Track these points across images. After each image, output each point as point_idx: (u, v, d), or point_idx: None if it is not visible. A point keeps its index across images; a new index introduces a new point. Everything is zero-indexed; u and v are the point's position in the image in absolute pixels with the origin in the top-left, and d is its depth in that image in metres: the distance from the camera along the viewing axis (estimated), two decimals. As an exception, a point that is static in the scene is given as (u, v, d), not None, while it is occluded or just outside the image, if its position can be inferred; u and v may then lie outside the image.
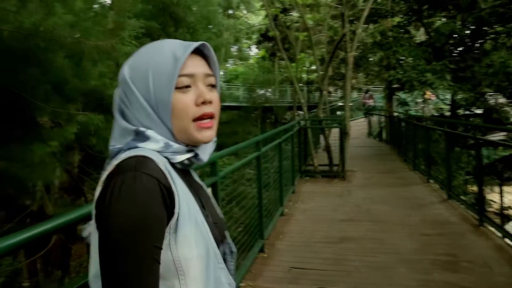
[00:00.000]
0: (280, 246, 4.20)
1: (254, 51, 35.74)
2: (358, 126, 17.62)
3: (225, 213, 4.71)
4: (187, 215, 0.69)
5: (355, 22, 9.98)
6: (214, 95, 0.78)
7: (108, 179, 0.66)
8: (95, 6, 4.44)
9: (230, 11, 25.78)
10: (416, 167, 7.84)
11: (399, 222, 4.72)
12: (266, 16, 24.36)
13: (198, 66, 0.76)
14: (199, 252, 0.69)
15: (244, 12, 25.45)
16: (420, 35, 15.60)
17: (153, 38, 5.07)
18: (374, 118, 15.28)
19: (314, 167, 8.03)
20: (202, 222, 0.73)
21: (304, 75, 21.82)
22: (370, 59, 12.86)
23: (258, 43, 31.59)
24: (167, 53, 0.74)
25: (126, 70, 0.76)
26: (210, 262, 0.72)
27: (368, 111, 15.89)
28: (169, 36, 5.10)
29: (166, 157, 0.74)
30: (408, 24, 11.45)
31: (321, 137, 11.16)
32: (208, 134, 0.77)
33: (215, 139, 0.81)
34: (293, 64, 20.74)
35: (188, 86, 0.75)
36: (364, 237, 4.28)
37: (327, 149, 8.05)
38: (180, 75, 0.73)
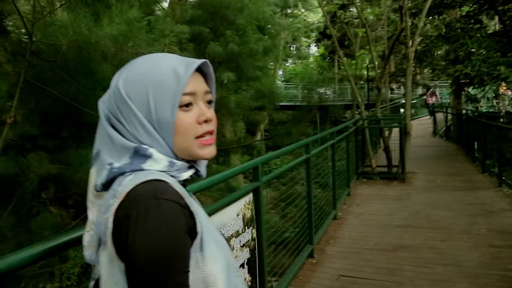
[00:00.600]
0: (331, 251, 4.07)
1: (314, 49, 35.47)
2: (422, 124, 16.66)
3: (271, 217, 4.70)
4: (207, 232, 0.71)
5: (418, 15, 9.40)
6: (212, 112, 0.78)
7: (125, 208, 0.64)
8: (150, 15, 4.64)
9: (289, 10, 25.67)
10: (486, 170, 7.18)
11: (463, 231, 4.35)
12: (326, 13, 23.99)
13: (198, 84, 0.76)
14: (222, 265, 0.71)
15: (302, 10, 25.15)
16: (495, 25, 14.29)
17: (205, 42, 5.20)
18: (440, 116, 14.28)
19: (372, 168, 7.70)
20: (219, 236, 0.76)
21: (365, 72, 21.02)
22: (435, 53, 12.03)
23: (317, 41, 31.25)
24: (167, 70, 0.72)
25: (120, 84, 0.73)
26: (230, 273, 0.73)
27: (433, 109, 14.88)
28: (218, 38, 5.21)
29: (172, 176, 0.73)
30: (479, 13, 10.53)
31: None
32: (210, 150, 0.76)
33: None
34: (353, 61, 20.16)
35: (189, 104, 0.74)
36: (421, 246, 4.00)
37: (386, 149, 7.66)
38: (184, 93, 0.72)
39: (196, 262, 0.68)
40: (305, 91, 26.77)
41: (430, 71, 25.44)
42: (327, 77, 28.10)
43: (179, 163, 0.74)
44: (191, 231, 0.67)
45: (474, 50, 9.46)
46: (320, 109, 22.04)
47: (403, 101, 20.30)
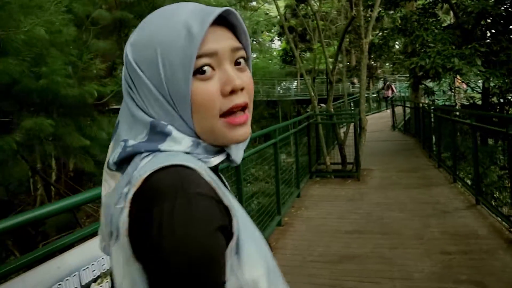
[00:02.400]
0: (269, 266, 3.57)
1: (278, 44, 35.15)
2: (382, 118, 16.66)
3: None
4: (245, 232, 0.55)
5: (373, 6, 9.12)
6: (245, 76, 0.59)
7: (143, 202, 0.49)
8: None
9: (253, 3, 25.08)
10: (442, 165, 6.96)
11: (415, 236, 3.97)
12: (285, 7, 23.61)
13: (221, 40, 0.56)
14: (262, 270, 0.55)
15: (261, 3, 24.65)
16: (450, 19, 14.39)
17: (129, 29, 4.56)
18: (399, 110, 14.23)
19: (326, 166, 7.31)
20: (257, 234, 0.59)
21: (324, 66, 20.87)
22: (392, 46, 11.86)
23: (279, 35, 30.93)
24: (179, 26, 0.54)
25: (129, 49, 0.58)
26: (271, 277, 0.57)
27: (392, 102, 14.82)
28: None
29: (199, 159, 0.57)
30: (434, 6, 10.42)
31: (342, 132, 10.45)
32: (242, 132, 0.58)
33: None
34: (311, 55, 19.88)
35: (211, 69, 0.55)
36: (369, 255, 3.58)
37: (339, 146, 7.30)
38: (199, 56, 0.54)
39: (231, 268, 0.52)
40: (267, 86, 26.49)
41: (391, 64, 25.77)
42: (288, 72, 27.97)
43: (203, 143, 0.58)
44: (226, 231, 0.51)
45: (430, 42, 9.32)
46: (282, 104, 21.76)
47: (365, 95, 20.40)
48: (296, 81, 26.36)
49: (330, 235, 4.19)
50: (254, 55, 34.58)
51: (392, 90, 18.44)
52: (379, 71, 25.15)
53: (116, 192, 0.55)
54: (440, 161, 7.06)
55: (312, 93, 7.32)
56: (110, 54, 4.34)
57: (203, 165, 0.55)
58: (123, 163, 0.56)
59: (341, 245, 3.89)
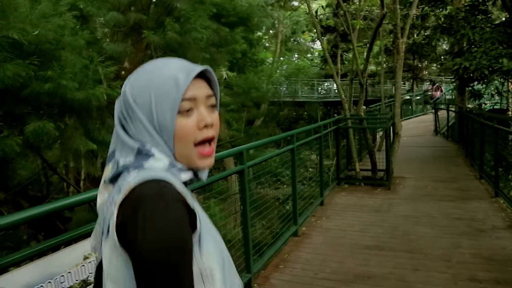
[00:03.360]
0: (276, 280, 3.35)
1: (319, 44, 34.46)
2: (425, 122, 15.78)
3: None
4: (205, 228, 0.74)
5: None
6: (214, 116, 0.79)
7: (130, 206, 0.67)
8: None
9: (295, 3, 24.71)
10: (483, 176, 6.36)
11: (442, 256, 3.58)
12: (326, 6, 23.06)
13: (199, 89, 0.77)
14: (217, 260, 0.74)
15: (302, 2, 24.20)
16: (506, 16, 13.31)
17: (142, 29, 4.49)
18: (443, 113, 13.36)
19: (356, 172, 6.93)
20: (214, 230, 0.79)
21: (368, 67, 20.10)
22: (435, 45, 11.09)
23: (321, 34, 30.28)
24: (168, 77, 0.74)
25: (128, 88, 0.77)
26: (226, 267, 0.76)
27: (435, 105, 13.95)
28: (157, 25, 4.51)
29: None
30: (484, 3, 9.62)
31: (379, 137, 9.91)
32: (209, 162, 0.79)
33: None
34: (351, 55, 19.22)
35: (189, 110, 0.75)
36: (387, 277, 3.26)
37: (370, 152, 6.88)
38: (183, 99, 0.74)
39: (194, 256, 0.71)
40: (307, 87, 26.00)
41: (439, 66, 24.38)
42: (329, 72, 27.26)
43: (179, 164, 0.76)
44: (192, 228, 0.70)
45: (477, 42, 8.60)
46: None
47: (407, 97, 19.39)
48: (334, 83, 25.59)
49: (347, 250, 3.89)
50: (296, 55, 34.20)
51: (441, 91, 17.39)
52: (424, 72, 23.92)
53: (108, 200, 0.72)
54: (482, 171, 6.46)
55: (343, 96, 6.95)
56: (130, 57, 4.30)
57: (177, 180, 0.72)
58: (116, 178, 0.74)
59: (358, 262, 3.58)
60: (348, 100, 7.31)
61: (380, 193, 6.09)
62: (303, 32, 29.53)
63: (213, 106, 0.79)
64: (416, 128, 14.79)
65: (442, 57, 17.26)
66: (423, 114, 18.48)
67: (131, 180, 0.69)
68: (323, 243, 4.16)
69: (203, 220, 0.75)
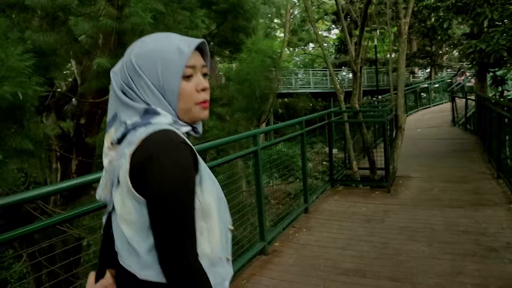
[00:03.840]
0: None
1: (335, 33, 33.22)
2: (443, 111, 14.62)
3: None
4: (204, 170, 0.88)
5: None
6: (207, 83, 0.94)
7: (144, 151, 0.80)
8: None
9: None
10: (500, 175, 5.46)
11: (437, 287, 2.81)
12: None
13: (197, 59, 0.92)
14: (215, 198, 0.89)
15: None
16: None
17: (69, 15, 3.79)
18: (461, 102, 12.25)
19: (353, 172, 6.13)
20: (210, 172, 0.92)
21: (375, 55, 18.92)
22: (448, 28, 10.00)
23: (333, 22, 29.10)
24: (173, 47, 0.88)
25: (133, 58, 0.89)
26: (221, 205, 0.91)
27: (452, 93, 12.81)
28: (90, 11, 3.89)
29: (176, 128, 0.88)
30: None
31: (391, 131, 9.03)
32: (206, 113, 0.94)
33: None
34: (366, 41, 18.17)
35: (190, 76, 0.90)
36: (360, 319, 2.52)
37: (366, 150, 6.06)
38: (186, 67, 0.88)
39: (196, 193, 0.84)
40: (318, 78, 25.03)
41: (459, 51, 22.86)
42: (343, 61, 26.13)
43: (180, 121, 0.90)
44: (196, 168, 0.84)
45: (496, 21, 7.58)
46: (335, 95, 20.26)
47: (424, 86, 18.16)
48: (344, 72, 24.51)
49: (320, 276, 3.16)
50: (311, 45, 33.11)
51: (465, 76, 16.11)
52: (443, 58, 22.50)
53: (118, 155, 0.86)
54: (500, 170, 5.55)
55: (338, 86, 6.13)
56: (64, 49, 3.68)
57: (178, 131, 0.87)
58: (123, 138, 0.86)
59: (329, 294, 2.85)
60: (357, 91, 6.42)
61: (377, 196, 5.28)
62: (317, 20, 28.49)
63: (205, 75, 0.94)
64: (432, 118, 13.73)
65: (459, 42, 16.01)
66: (442, 103, 17.25)
67: (140, 133, 0.82)
68: (294, 264, 3.44)
69: (202, 163, 0.88)
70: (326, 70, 24.86)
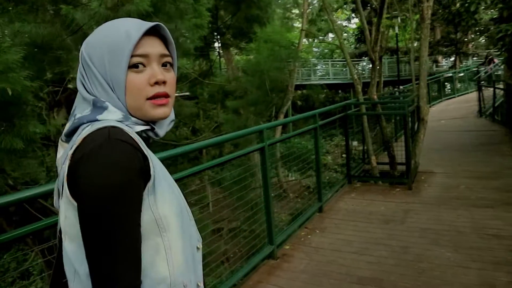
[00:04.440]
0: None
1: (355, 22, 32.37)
2: (468, 101, 13.94)
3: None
4: (161, 176, 0.74)
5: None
6: (169, 75, 0.80)
7: (79, 151, 0.67)
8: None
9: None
10: (535, 171, 5.02)
11: (463, 303, 2.49)
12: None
13: (152, 46, 0.78)
14: (175, 210, 0.74)
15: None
16: None
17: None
18: (488, 91, 11.58)
19: (372, 167, 5.78)
20: (172, 181, 0.79)
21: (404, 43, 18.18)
22: (475, 12, 9.38)
23: (352, 11, 28.29)
24: (121, 32, 0.76)
25: (84, 46, 0.80)
26: (184, 219, 0.77)
27: (478, 82, 12.12)
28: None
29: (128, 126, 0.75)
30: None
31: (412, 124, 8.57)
32: (162, 111, 0.79)
33: (173, 117, 0.85)
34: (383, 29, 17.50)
35: (142, 66, 0.77)
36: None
37: (386, 144, 5.69)
38: (134, 55, 0.75)
39: (148, 204, 0.70)
40: (340, 68, 24.43)
41: (486, 38, 21.75)
42: (363, 51, 25.39)
43: (133, 118, 0.77)
44: (145, 174, 0.69)
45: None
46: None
47: (448, 75, 17.38)
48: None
49: (333, 284, 2.88)
50: (331, 35, 32.39)
51: (494, 63, 15.27)
52: (469, 46, 21.51)
53: (63, 156, 0.74)
54: (534, 165, 5.10)
55: (355, 76, 5.77)
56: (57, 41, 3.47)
57: (130, 129, 0.74)
58: (72, 135, 0.75)
59: (342, 307, 2.58)
60: (375, 82, 6.01)
61: (397, 194, 4.93)
62: (336, 9, 27.78)
63: (168, 65, 0.81)
64: (457, 109, 13.10)
65: (487, 27, 15.17)
66: (467, 93, 16.48)
67: (84, 132, 0.71)
68: (305, 270, 3.17)
69: (158, 168, 0.74)
70: (345, 61, 24.24)
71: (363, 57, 26.34)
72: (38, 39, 3.35)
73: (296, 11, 27.74)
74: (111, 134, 0.67)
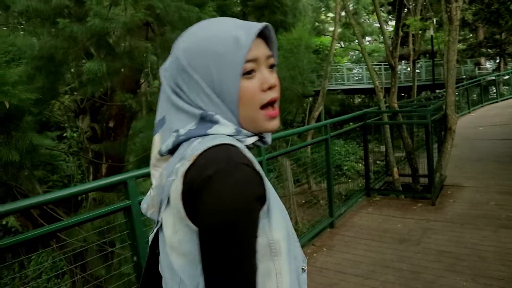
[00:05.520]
0: None
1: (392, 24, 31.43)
2: (512, 107, 12.98)
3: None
4: (274, 200, 0.71)
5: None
6: (275, 77, 0.76)
7: (198, 170, 0.64)
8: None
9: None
10: None
11: None
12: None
13: (260, 49, 0.72)
14: (284, 234, 0.71)
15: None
16: None
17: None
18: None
19: (393, 179, 5.44)
20: (280, 202, 0.75)
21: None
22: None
23: (388, 13, 27.37)
24: (228, 38, 0.69)
25: (181, 55, 0.72)
26: (291, 241, 0.74)
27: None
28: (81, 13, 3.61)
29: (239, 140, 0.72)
30: None
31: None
32: (276, 123, 0.75)
33: None
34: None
35: (252, 71, 0.71)
36: None
37: (408, 154, 5.32)
38: (246, 61, 0.70)
39: (263, 228, 0.68)
40: (376, 72, 23.70)
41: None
42: (400, 54, 24.50)
43: (244, 131, 0.73)
44: (262, 198, 0.67)
45: None
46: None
47: (491, 78, 16.31)
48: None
49: (329, 312, 2.65)
50: (369, 39, 31.61)
51: None
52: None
53: (167, 169, 0.70)
54: None
55: (377, 82, 5.45)
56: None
57: (243, 145, 0.70)
58: (174, 149, 0.71)
59: None
60: (395, 89, 5.68)
61: (418, 210, 4.58)
62: (372, 13, 27.05)
63: (271, 67, 0.75)
64: (499, 115, 12.23)
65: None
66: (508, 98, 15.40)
67: (195, 146, 0.67)
68: (303, 294, 2.95)
69: (271, 191, 0.71)
70: (381, 65, 23.55)
71: (402, 61, 25.48)
72: (50, 52, 3.39)
73: (331, 14, 27.28)
74: (234, 156, 0.64)
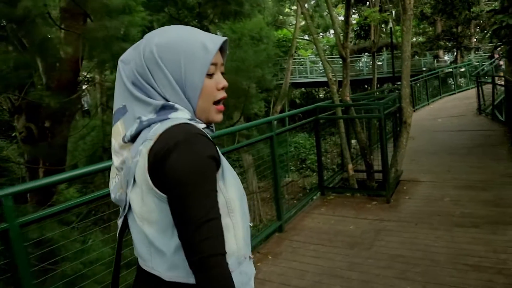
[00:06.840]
0: None
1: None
2: (469, 98, 13.24)
3: None
4: (226, 164, 0.86)
5: None
6: (225, 81, 0.91)
7: (161, 144, 0.76)
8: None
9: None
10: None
11: None
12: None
13: (218, 56, 0.88)
14: (237, 193, 0.86)
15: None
16: None
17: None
18: (488, 87, 10.88)
19: (349, 176, 5.20)
20: (232, 169, 0.89)
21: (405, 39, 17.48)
22: (473, 2, 8.68)
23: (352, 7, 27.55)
24: (198, 42, 0.84)
25: (154, 49, 0.83)
26: (243, 201, 0.89)
27: (477, 78, 11.39)
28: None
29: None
30: None
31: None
32: (221, 116, 0.91)
33: None
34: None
35: (213, 73, 0.87)
36: None
37: (362, 150, 5.10)
38: (211, 64, 0.85)
39: (220, 188, 0.81)
40: (340, 65, 23.77)
41: (491, 32, 20.85)
42: (362, 47, 24.69)
43: (197, 119, 0.86)
44: (217, 162, 0.80)
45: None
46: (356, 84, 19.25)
47: (449, 70, 16.63)
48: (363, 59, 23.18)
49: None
50: (334, 32, 31.72)
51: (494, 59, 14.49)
52: (472, 40, 20.69)
53: (132, 152, 0.82)
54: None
55: (330, 75, 5.18)
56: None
57: (197, 124, 0.84)
58: (137, 136, 0.82)
59: None
60: (347, 81, 5.46)
61: (373, 209, 4.35)
62: (336, 5, 27.09)
63: (222, 73, 0.91)
64: (456, 106, 12.44)
65: (490, 20, 14.40)
66: (468, 89, 15.76)
67: (157, 129, 0.78)
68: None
69: (223, 158, 0.85)
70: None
71: (362, 53, 25.68)
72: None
73: (295, 7, 27.09)
74: (192, 129, 0.78)
